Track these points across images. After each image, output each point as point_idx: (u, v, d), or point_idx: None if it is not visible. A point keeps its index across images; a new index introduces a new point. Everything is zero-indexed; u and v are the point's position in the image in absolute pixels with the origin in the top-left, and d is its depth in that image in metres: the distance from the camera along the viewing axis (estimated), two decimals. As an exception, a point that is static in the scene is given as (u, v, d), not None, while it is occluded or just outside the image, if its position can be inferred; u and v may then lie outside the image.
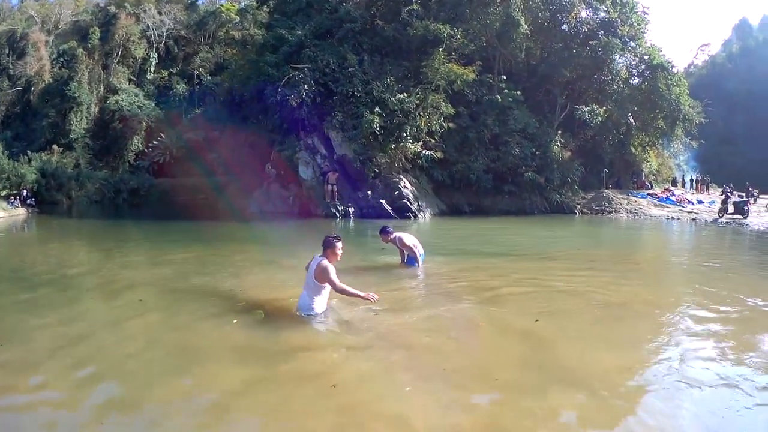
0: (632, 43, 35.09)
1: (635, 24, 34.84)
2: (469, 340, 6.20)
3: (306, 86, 25.96)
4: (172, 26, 50.90)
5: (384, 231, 10.60)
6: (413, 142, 26.26)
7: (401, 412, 4.35)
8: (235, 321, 6.73)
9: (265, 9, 37.67)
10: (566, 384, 4.91)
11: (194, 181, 37.10)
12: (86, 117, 44.87)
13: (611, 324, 6.99)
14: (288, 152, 27.47)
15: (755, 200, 36.55)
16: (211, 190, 34.14)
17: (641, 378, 5.16)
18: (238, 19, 47.71)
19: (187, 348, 5.82)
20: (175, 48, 51.94)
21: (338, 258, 7.06)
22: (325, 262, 6.84)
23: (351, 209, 25.14)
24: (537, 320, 6.75)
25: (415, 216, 24.54)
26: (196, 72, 47.43)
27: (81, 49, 45.74)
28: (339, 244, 7.04)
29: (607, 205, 30.39)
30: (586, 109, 31.35)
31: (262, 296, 7.96)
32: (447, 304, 7.61)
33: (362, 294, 6.79)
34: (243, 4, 50.46)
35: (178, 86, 47.57)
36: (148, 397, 4.58)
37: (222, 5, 52.65)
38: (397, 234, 10.51)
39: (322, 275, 6.78)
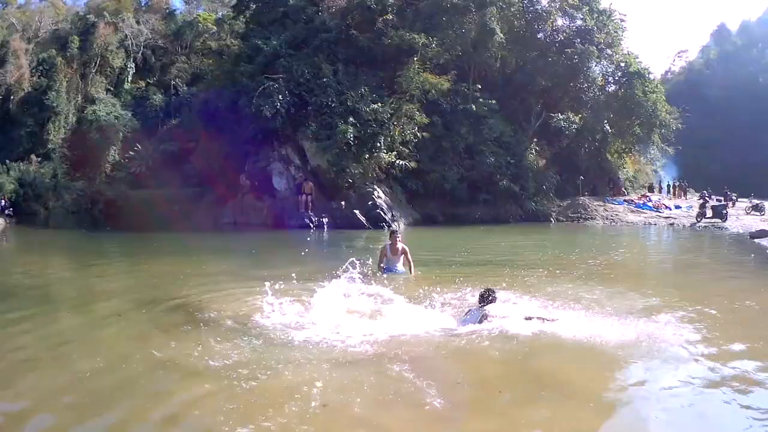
0: (609, 51, 35.39)
1: (612, 31, 35.14)
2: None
3: (280, 96, 25.81)
4: (150, 36, 50.41)
5: (396, 232, 11.52)
6: (387, 152, 26.14)
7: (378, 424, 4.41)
8: (203, 334, 6.62)
9: (241, 19, 37.42)
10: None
11: (170, 192, 36.64)
12: (64, 127, 44.33)
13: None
14: (262, 163, 27.37)
15: (734, 204, 36.90)
16: (186, 201, 33.73)
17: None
18: (215, 29, 47.44)
19: (156, 362, 5.70)
20: (153, 58, 51.42)
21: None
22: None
23: (325, 220, 24.86)
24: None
25: (389, 226, 24.28)
26: (172, 82, 47.00)
27: (60, 58, 45.24)
28: None
29: (583, 212, 30.59)
30: (561, 117, 31.52)
31: (229, 308, 7.96)
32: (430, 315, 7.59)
33: None
34: (220, 14, 50.19)
35: (155, 96, 47.05)
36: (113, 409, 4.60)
37: (199, 15, 52.24)
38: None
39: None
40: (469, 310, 7.33)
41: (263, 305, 7.49)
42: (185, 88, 45.78)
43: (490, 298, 7.18)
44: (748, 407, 4.77)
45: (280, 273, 8.84)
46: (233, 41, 38.55)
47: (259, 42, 28.70)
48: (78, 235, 25.34)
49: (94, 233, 25.94)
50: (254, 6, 33.98)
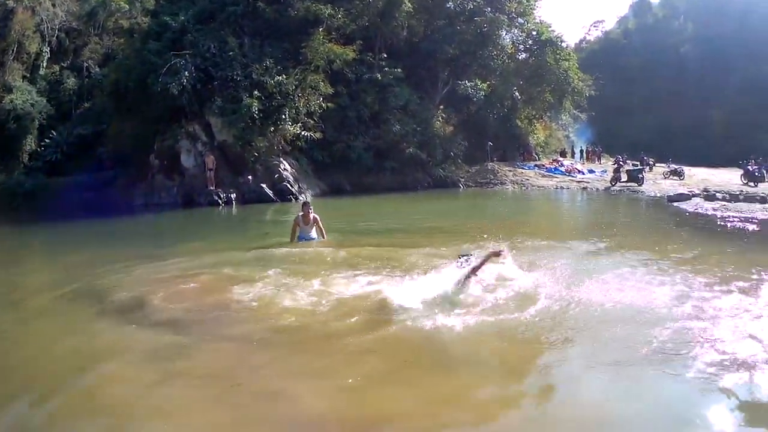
0: (520, 20, 35.91)
1: (524, 1, 35.64)
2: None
3: (186, 73, 25.42)
4: (65, 18, 48.77)
5: (308, 204, 11.98)
6: (292, 124, 26.05)
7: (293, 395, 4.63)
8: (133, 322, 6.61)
9: (152, -4, 36.57)
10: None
11: (84, 177, 35.91)
12: (-19, 119, 42.57)
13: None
14: (170, 141, 26.86)
15: (651, 168, 38.02)
16: (100, 186, 33.11)
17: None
18: (127, 7, 46.16)
19: (83, 350, 5.76)
20: (67, 41, 49.68)
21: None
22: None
23: (233, 195, 24.75)
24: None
25: (296, 198, 24.42)
26: (85, 64, 45.72)
27: (-23, 47, 43.34)
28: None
29: (492, 177, 31.07)
30: (469, 84, 31.87)
31: (137, 290, 8.03)
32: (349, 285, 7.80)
33: None
34: (132, -9, 48.83)
35: (69, 80, 45.70)
36: (48, 398, 4.66)
37: (112, -6, 50.69)
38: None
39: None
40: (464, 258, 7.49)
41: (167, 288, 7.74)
42: (97, 69, 44.59)
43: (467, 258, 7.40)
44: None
45: (185, 251, 9.55)
46: (144, 19, 37.64)
47: (168, 18, 28.14)
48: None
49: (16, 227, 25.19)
50: (164, -18, 33.09)
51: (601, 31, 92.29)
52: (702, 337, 5.48)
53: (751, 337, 5.55)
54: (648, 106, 73.54)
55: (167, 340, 5.83)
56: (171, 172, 27.04)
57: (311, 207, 11.93)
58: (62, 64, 49.22)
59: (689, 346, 5.28)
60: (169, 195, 26.46)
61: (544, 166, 35.36)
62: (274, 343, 5.80)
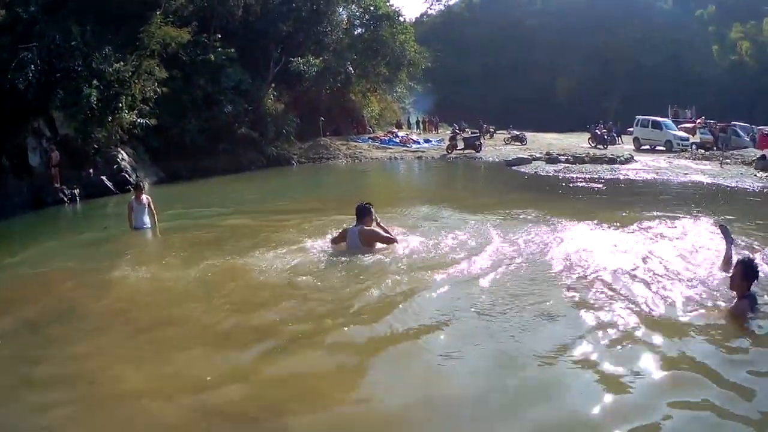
0: (358, -5, 35.97)
1: (364, -23, 35.86)
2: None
3: (33, 66, 24.67)
4: None
5: (141, 186, 12.75)
6: (129, 112, 26.24)
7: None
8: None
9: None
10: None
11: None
12: None
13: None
14: (18, 139, 26.00)
15: (492, 135, 40.07)
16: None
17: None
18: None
19: None
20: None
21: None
22: (367, 227, 8.25)
23: (76, 191, 24.36)
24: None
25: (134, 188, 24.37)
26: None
27: None
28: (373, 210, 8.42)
29: (324, 152, 32.55)
30: (301, 60, 32.66)
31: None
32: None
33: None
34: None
35: None
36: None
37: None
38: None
39: (372, 238, 8.18)
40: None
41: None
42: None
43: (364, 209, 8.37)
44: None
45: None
46: (1, 12, 36.59)
47: (19, 10, 26.76)
48: None
49: None
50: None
51: (444, 5, 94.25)
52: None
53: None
54: (491, 78, 77.08)
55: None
56: (21, 171, 25.68)
57: (143, 187, 12.75)
58: None
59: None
60: (20, 196, 24.23)
61: (378, 138, 36.75)
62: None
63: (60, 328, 6.44)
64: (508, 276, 7.20)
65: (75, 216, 21.24)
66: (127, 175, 25.38)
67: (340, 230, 8.64)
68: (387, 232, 8.58)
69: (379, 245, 8.29)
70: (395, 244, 8.37)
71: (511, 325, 5.68)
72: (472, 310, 6.10)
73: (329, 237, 9.01)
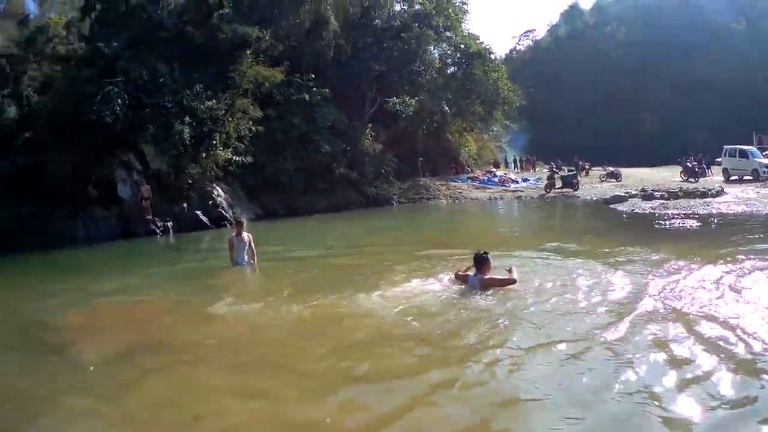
0: (448, 33, 36.71)
1: (452, 14, 36.44)
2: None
3: (120, 101, 25.47)
4: (5, 43, 48.24)
5: (242, 223, 12.71)
6: (224, 149, 26.41)
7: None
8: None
9: (88, 21, 36.46)
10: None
11: (25, 209, 35.75)
12: None
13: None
14: (106, 171, 27.05)
15: (587, 173, 38.91)
16: (40, 219, 33.12)
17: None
18: (65, 33, 45.94)
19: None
20: (8, 68, 49.27)
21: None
22: (487, 276, 8.29)
23: (170, 224, 24.98)
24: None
25: (231, 224, 24.42)
26: (24, 93, 45.37)
27: None
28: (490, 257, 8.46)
29: (425, 192, 31.85)
30: (397, 100, 32.41)
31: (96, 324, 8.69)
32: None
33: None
34: (70, 16, 48.60)
35: (9, 109, 45.24)
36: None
37: (50, 19, 50.37)
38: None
39: (491, 287, 8.17)
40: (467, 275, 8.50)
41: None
42: (36, 97, 44.30)
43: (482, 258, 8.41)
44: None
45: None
46: (80, 45, 37.68)
47: (101, 45, 28.24)
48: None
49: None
50: (99, 6, 33.24)
51: (532, 40, 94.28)
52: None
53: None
54: (581, 112, 76.24)
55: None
56: (109, 202, 27.09)
57: (244, 224, 12.53)
58: (3, 92, 48.68)
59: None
60: (108, 226, 26.30)
61: (477, 178, 36.04)
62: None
63: (161, 358, 6.58)
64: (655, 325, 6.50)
65: (168, 247, 21.86)
66: (223, 211, 25.65)
67: (463, 270, 8.73)
68: (508, 272, 8.53)
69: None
70: (515, 283, 8.30)
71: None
72: (615, 360, 5.50)
73: (442, 277, 9.18)
